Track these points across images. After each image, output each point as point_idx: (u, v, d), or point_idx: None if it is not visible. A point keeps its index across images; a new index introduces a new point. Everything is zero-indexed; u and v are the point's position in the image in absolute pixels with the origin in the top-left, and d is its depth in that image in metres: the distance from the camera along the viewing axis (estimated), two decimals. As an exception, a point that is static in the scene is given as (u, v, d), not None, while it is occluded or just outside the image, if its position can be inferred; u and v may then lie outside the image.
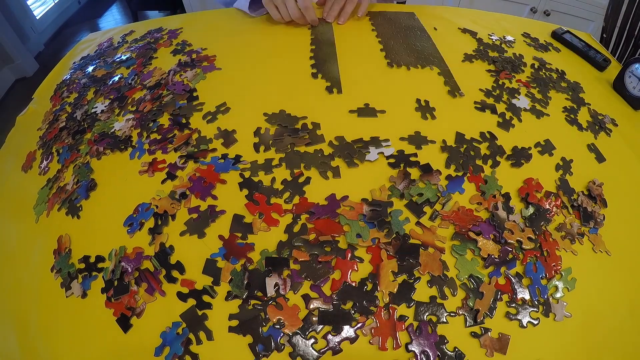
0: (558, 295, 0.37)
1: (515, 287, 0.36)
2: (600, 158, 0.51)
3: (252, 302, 0.35)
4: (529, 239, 0.40)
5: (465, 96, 0.56)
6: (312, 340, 0.33)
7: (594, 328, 0.36)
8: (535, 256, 0.39)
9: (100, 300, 0.36)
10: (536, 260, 0.38)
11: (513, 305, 0.36)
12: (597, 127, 0.56)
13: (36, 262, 0.41)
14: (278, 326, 0.34)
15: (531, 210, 0.43)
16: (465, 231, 0.39)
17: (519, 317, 0.35)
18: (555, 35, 0.76)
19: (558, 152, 0.50)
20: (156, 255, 0.38)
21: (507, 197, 0.43)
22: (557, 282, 0.38)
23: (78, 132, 0.53)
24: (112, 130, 0.52)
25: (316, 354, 0.33)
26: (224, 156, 0.46)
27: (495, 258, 0.38)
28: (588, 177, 0.48)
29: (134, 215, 0.42)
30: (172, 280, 0.37)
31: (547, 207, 0.43)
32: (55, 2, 2.67)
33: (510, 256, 0.38)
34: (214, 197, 0.42)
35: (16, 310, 0.38)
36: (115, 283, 0.37)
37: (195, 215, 0.41)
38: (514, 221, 0.41)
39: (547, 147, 0.51)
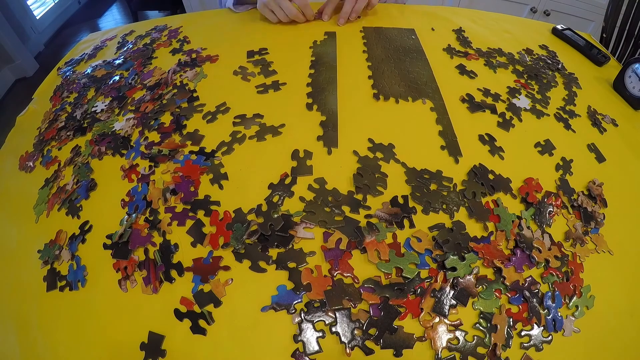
0: (577, 314, 0.36)
1: (532, 312, 0.35)
2: (600, 158, 0.51)
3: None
4: (556, 257, 0.39)
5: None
6: (320, 334, 0.33)
7: (593, 328, 0.36)
8: (553, 274, 0.38)
9: (101, 300, 0.37)
10: (554, 289, 0.37)
11: (525, 334, 0.35)
12: (596, 127, 0.56)
13: (36, 262, 0.41)
14: (303, 290, 0.35)
15: (532, 211, 0.43)
16: (489, 264, 0.38)
17: (532, 343, 0.34)
18: (556, 31, 0.77)
19: (558, 152, 0.50)
20: (161, 248, 0.39)
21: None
22: (577, 301, 0.37)
23: (79, 130, 0.53)
24: (112, 129, 0.52)
25: (317, 347, 0.33)
26: (194, 152, 0.47)
27: (522, 284, 0.37)
28: (588, 177, 0.48)
29: (127, 200, 0.44)
30: (168, 278, 0.37)
31: (548, 207, 0.43)
32: (55, 2, 2.67)
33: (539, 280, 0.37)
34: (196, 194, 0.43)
35: (16, 310, 0.38)
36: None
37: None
38: (538, 238, 0.40)
39: (547, 147, 0.51)
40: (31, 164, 0.52)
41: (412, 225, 0.40)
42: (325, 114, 0.52)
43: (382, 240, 0.38)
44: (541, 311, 0.36)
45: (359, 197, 0.42)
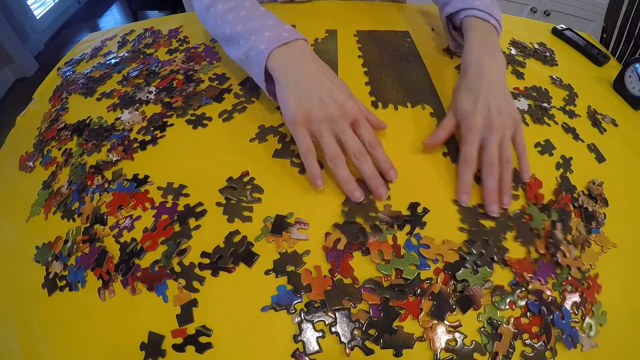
0: (592, 333, 0.36)
1: (544, 330, 0.34)
2: (600, 158, 0.51)
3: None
4: (578, 269, 0.39)
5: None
6: (320, 334, 0.33)
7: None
8: (571, 286, 0.37)
9: (100, 299, 0.37)
10: (561, 306, 0.36)
11: (528, 344, 0.34)
12: (596, 127, 0.56)
13: (36, 262, 0.41)
14: (303, 291, 0.35)
15: (555, 215, 0.42)
16: (521, 279, 0.37)
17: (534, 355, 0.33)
18: (556, 31, 0.77)
19: (558, 152, 0.50)
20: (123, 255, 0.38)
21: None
22: (589, 320, 0.36)
23: (76, 130, 0.53)
24: (101, 124, 0.52)
25: (317, 347, 0.33)
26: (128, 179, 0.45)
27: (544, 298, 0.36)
28: (588, 177, 0.48)
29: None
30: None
31: (569, 215, 0.43)
32: (55, 2, 2.67)
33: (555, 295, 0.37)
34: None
35: (16, 310, 0.38)
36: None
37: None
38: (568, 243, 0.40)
39: (547, 147, 0.51)
40: (31, 164, 0.52)
41: (412, 228, 0.40)
42: None
43: (384, 240, 0.39)
44: (553, 332, 0.35)
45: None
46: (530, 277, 0.37)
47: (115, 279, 0.37)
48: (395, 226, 0.40)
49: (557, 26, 0.77)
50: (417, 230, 0.40)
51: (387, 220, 0.40)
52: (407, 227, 0.40)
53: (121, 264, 0.38)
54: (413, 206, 0.42)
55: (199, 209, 0.41)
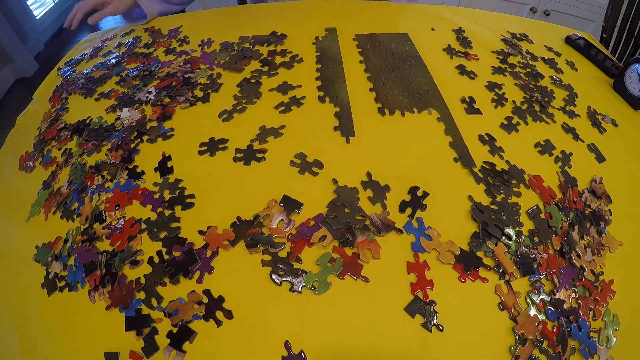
0: (613, 343, 0.35)
1: (560, 341, 0.34)
2: (600, 158, 0.51)
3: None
4: (592, 271, 0.39)
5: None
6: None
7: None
8: (583, 287, 0.38)
9: (100, 300, 0.36)
10: (579, 317, 0.36)
11: (544, 351, 0.34)
12: (596, 128, 0.56)
13: (36, 262, 0.41)
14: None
15: (572, 215, 0.43)
16: (551, 277, 0.38)
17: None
18: (569, 40, 0.76)
19: (557, 153, 0.50)
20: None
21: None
22: (605, 332, 0.36)
23: (76, 130, 0.53)
24: (101, 124, 0.52)
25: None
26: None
27: (564, 306, 0.36)
28: (588, 177, 0.48)
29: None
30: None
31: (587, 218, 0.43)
32: (55, 2, 2.67)
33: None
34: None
35: (16, 310, 0.38)
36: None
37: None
38: (584, 247, 0.41)
39: (547, 147, 0.51)
40: (31, 164, 0.52)
41: (413, 211, 0.41)
42: (338, 105, 0.53)
43: (373, 239, 0.39)
44: (569, 344, 0.34)
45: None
46: (558, 278, 0.37)
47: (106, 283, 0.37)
48: (382, 232, 0.39)
49: (571, 35, 0.75)
50: (418, 213, 0.41)
51: (377, 224, 0.40)
52: (409, 210, 0.41)
53: (107, 276, 0.37)
54: (413, 190, 0.43)
55: (188, 200, 0.42)
